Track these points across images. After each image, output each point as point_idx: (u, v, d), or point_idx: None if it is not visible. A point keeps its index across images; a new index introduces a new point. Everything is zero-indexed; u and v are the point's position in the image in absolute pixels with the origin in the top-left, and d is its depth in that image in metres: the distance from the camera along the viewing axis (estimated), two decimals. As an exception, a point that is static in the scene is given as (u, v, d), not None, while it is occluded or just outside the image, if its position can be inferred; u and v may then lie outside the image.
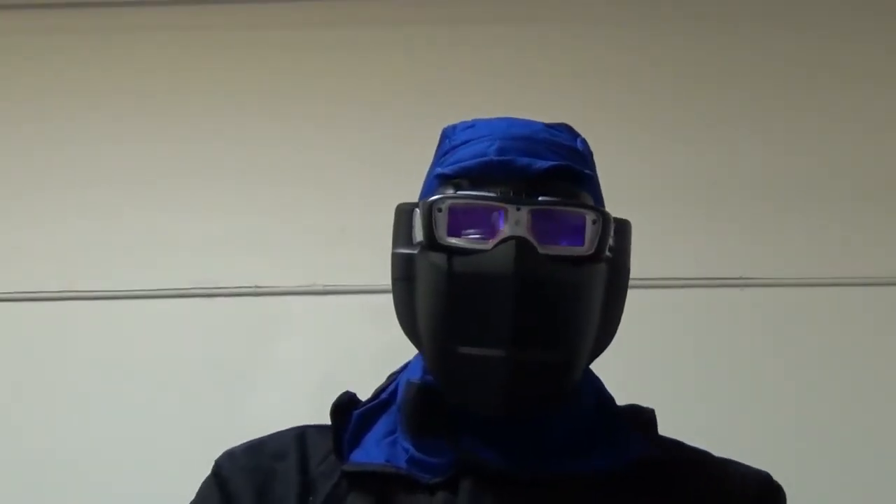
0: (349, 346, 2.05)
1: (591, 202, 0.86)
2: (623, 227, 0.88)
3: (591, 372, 0.90)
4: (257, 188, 2.24)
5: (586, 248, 0.82)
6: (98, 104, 2.31)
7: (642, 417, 0.92)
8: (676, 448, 0.93)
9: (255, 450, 0.91)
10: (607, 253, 0.84)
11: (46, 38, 2.35)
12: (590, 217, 0.82)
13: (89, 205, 2.25)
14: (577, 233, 0.82)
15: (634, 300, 2.12)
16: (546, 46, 2.30)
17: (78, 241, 2.22)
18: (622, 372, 2.00)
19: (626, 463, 0.85)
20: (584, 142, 0.92)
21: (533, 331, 0.79)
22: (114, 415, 2.13)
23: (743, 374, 2.11)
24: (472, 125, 0.90)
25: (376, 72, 2.31)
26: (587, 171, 0.88)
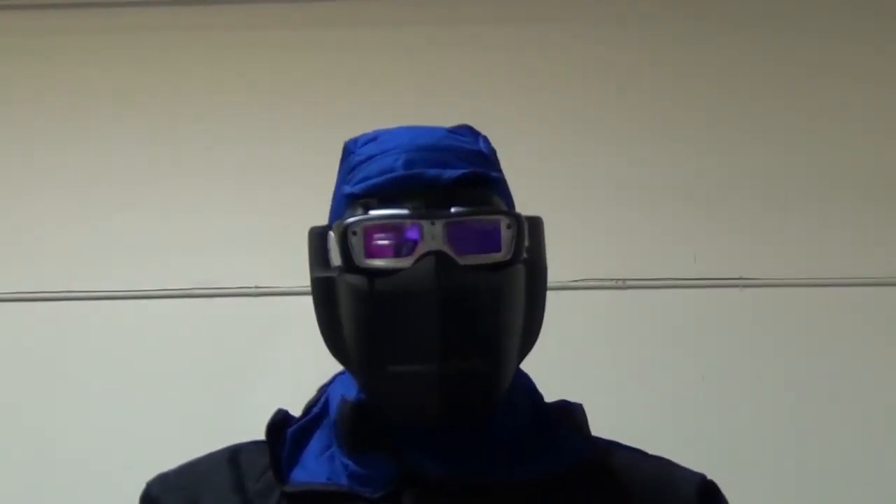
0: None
1: (502, 205, 0.86)
2: (535, 226, 0.87)
3: (521, 372, 0.90)
4: (257, 188, 2.24)
5: (504, 254, 0.82)
6: (98, 104, 2.31)
7: (574, 415, 0.92)
8: (613, 448, 0.92)
9: (187, 471, 0.91)
10: (524, 255, 0.84)
11: (46, 38, 2.35)
12: (504, 222, 0.82)
13: (90, 205, 2.25)
14: (494, 239, 0.82)
15: (635, 300, 2.15)
16: (546, 47, 2.30)
17: (78, 241, 2.23)
18: (622, 371, 2.01)
19: (567, 466, 0.86)
20: (486, 140, 0.91)
21: (461, 342, 0.79)
22: (114, 414, 2.13)
23: (742, 374, 2.11)
24: (374, 138, 0.89)
25: (377, 72, 2.31)
26: (494, 174, 0.87)
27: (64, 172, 2.27)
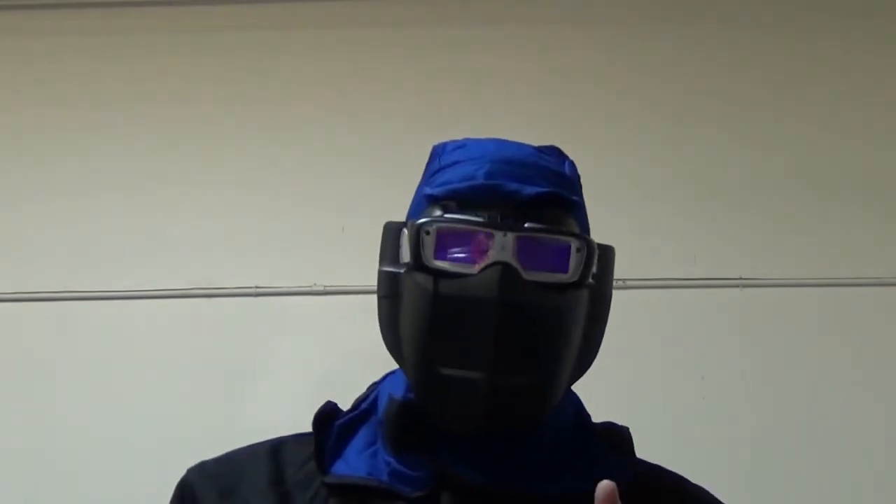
0: (349, 346, 2.05)
1: (576, 229, 0.86)
2: (606, 254, 0.87)
3: (570, 391, 0.91)
4: (257, 189, 2.24)
5: (570, 276, 0.82)
6: (99, 106, 2.31)
7: (618, 437, 0.92)
8: (654, 471, 0.93)
9: (226, 461, 0.91)
10: (590, 280, 0.84)
11: (46, 38, 2.35)
12: (574, 245, 0.82)
13: (90, 205, 2.25)
14: (562, 260, 0.82)
15: (635, 300, 2.14)
16: (546, 48, 2.30)
17: (78, 241, 2.23)
18: (622, 371, 2.01)
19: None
20: (571, 165, 0.92)
21: (513, 355, 0.80)
22: (114, 414, 2.13)
23: (742, 374, 2.11)
24: (462, 145, 0.90)
25: (376, 73, 2.31)
26: (574, 198, 0.87)
27: (64, 173, 2.27)
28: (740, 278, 2.15)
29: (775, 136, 2.24)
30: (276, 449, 0.91)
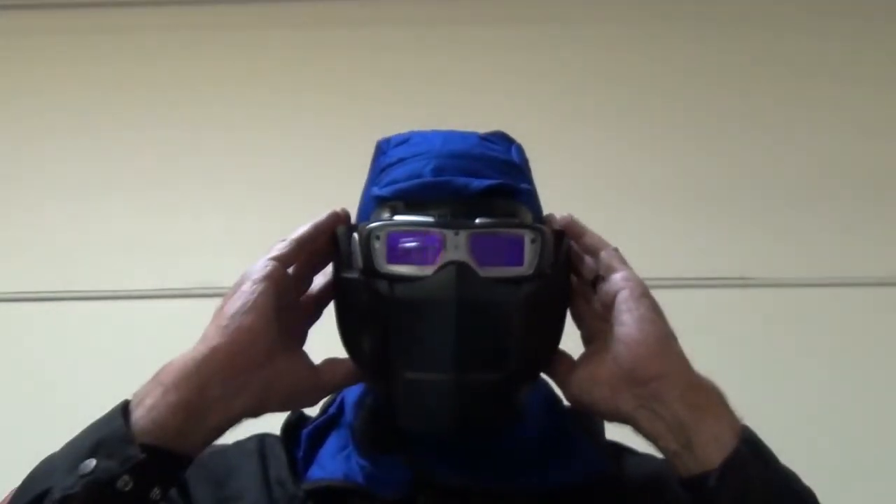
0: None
1: (529, 218, 0.85)
2: (561, 240, 0.87)
3: (539, 378, 0.90)
4: (258, 188, 2.24)
5: (526, 269, 0.81)
6: (98, 104, 2.31)
7: (590, 420, 0.92)
8: (625, 454, 0.94)
9: (218, 454, 0.91)
10: (547, 270, 0.83)
11: (46, 38, 2.35)
12: (528, 237, 0.82)
13: (89, 205, 2.25)
14: (517, 253, 0.82)
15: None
16: (545, 47, 2.30)
17: (78, 241, 2.22)
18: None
19: (581, 477, 0.86)
20: (518, 149, 0.91)
21: (478, 353, 0.79)
22: (114, 415, 2.12)
23: (743, 375, 2.10)
24: (406, 139, 0.89)
25: (376, 73, 2.31)
26: (523, 186, 0.87)
27: (64, 172, 2.27)
28: (741, 278, 2.15)
29: (776, 136, 2.24)
30: (261, 446, 0.92)
